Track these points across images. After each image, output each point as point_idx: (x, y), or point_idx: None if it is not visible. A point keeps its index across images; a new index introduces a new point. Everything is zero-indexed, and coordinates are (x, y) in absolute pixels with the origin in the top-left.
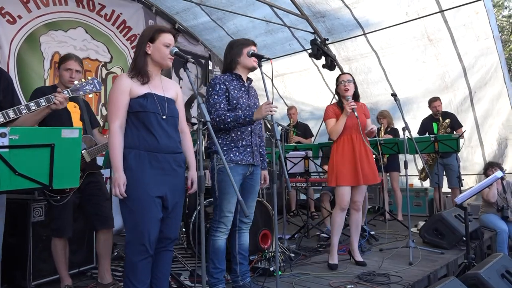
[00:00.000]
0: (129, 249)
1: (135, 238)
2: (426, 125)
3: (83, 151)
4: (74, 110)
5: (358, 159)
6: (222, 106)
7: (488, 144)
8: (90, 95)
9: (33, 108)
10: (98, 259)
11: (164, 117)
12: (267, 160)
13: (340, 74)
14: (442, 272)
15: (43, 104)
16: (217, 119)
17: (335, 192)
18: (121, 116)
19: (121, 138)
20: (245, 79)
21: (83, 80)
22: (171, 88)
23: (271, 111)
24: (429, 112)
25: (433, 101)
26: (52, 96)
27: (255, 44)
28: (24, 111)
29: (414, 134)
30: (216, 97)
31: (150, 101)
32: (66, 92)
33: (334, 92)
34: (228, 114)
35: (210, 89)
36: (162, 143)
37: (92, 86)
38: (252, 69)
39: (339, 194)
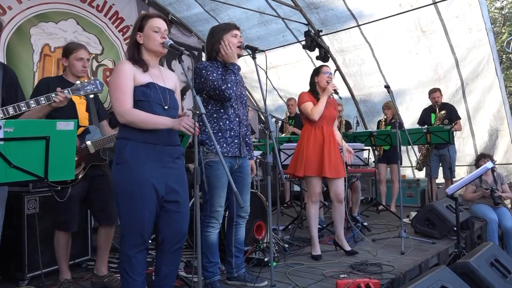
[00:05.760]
0: (125, 243)
1: (130, 232)
2: (425, 115)
3: (87, 142)
4: (80, 101)
5: (327, 151)
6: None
7: (479, 136)
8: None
9: (33, 106)
10: (96, 251)
11: (166, 107)
12: (261, 151)
13: (322, 66)
14: (433, 261)
15: (43, 102)
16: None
17: (305, 183)
18: (130, 100)
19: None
20: None
21: (85, 80)
22: (171, 79)
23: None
24: (423, 103)
25: (432, 92)
26: (53, 95)
27: (237, 28)
28: (24, 109)
29: (407, 125)
30: (214, 74)
31: (153, 91)
32: (66, 91)
33: (309, 83)
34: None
35: (204, 72)
36: (162, 135)
37: (93, 86)
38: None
39: (310, 185)
